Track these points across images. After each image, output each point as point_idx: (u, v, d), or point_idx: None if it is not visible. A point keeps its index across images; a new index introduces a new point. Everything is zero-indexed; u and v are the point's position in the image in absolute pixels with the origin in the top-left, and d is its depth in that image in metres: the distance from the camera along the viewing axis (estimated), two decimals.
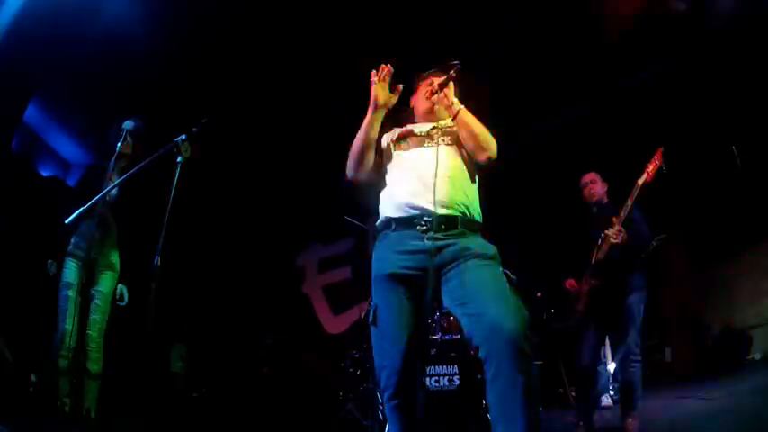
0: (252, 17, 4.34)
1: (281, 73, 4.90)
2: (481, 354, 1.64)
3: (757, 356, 4.65)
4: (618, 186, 3.57)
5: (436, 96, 2.06)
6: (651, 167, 3.08)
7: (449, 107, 2.04)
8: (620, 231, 3.03)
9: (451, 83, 2.05)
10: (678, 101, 4.95)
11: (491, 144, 2.00)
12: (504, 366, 1.58)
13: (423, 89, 2.20)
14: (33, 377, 3.43)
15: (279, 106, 5.24)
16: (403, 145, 2.11)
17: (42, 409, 2.91)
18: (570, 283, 3.37)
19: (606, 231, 3.10)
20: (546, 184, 5.41)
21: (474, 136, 1.98)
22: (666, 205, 3.10)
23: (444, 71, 2.05)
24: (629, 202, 3.07)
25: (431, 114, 2.19)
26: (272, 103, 5.16)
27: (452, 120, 2.05)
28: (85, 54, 4.21)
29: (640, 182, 3.08)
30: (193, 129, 2.48)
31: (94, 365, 3.10)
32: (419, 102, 2.24)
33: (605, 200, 3.47)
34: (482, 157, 1.99)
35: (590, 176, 3.53)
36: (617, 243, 3.04)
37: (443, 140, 2.05)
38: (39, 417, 2.84)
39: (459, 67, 1.99)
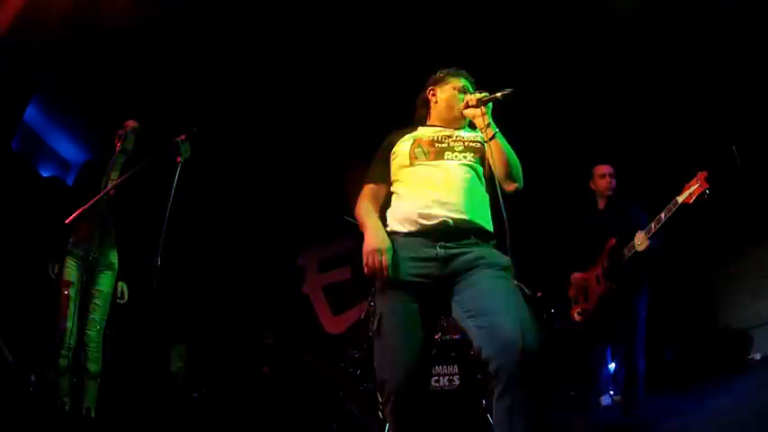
0: (253, 18, 4.34)
1: (281, 73, 4.90)
2: (491, 368, 1.56)
3: (757, 356, 4.64)
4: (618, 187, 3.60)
5: (471, 111, 1.94)
6: (695, 190, 2.87)
7: (484, 128, 1.91)
8: (645, 238, 3.06)
9: (491, 103, 1.92)
10: (677, 100, 4.94)
11: (520, 175, 1.93)
12: (516, 383, 1.51)
13: (452, 89, 2.08)
14: (33, 377, 3.43)
15: (279, 106, 5.24)
16: (420, 156, 1.95)
17: (42, 409, 2.91)
18: (576, 276, 3.38)
19: (634, 240, 3.10)
20: (544, 183, 5.39)
21: (506, 165, 1.89)
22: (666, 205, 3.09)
23: (490, 90, 1.92)
24: (663, 217, 2.98)
25: (455, 122, 2.07)
26: (272, 103, 5.15)
27: (486, 141, 1.92)
28: (85, 54, 4.21)
29: (680, 200, 2.90)
30: (194, 129, 2.49)
31: (94, 365, 3.11)
32: (446, 105, 2.08)
33: (615, 196, 3.49)
34: (509, 188, 1.92)
35: (609, 169, 3.56)
36: (640, 250, 3.07)
37: (465, 156, 1.94)
38: (39, 417, 2.83)
39: (509, 93, 1.86)
